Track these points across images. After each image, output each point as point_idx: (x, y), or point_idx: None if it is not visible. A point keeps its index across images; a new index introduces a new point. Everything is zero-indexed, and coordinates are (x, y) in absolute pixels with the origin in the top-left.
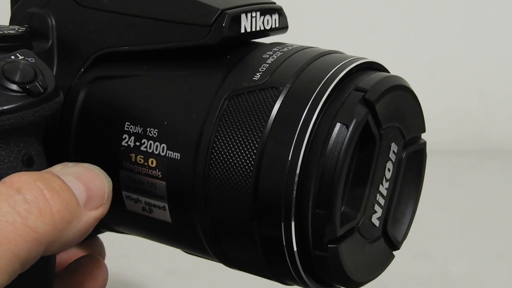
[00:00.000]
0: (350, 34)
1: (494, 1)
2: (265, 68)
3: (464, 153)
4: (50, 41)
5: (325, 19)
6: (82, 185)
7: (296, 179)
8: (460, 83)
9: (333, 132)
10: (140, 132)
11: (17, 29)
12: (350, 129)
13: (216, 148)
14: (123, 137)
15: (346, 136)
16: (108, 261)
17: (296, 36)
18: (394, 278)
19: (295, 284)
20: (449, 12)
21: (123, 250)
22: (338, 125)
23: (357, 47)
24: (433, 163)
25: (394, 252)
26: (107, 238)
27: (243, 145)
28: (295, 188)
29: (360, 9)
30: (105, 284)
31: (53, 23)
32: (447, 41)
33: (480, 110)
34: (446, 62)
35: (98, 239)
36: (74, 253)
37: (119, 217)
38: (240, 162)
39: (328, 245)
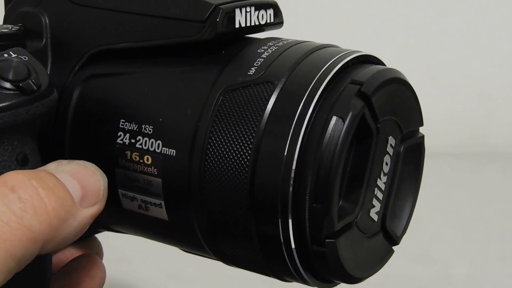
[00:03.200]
0: (350, 37)
1: (495, 4)
2: (260, 63)
3: (465, 156)
4: (44, 40)
5: (323, 22)
6: (77, 183)
7: (293, 174)
8: (461, 86)
9: (329, 126)
10: (135, 129)
11: (10, 28)
12: (347, 122)
13: (211, 144)
14: (118, 134)
15: (342, 129)
16: (109, 265)
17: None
18: (395, 281)
19: (294, 281)
20: (450, 15)
21: (124, 254)
22: (334, 118)
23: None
24: (434, 166)
25: (394, 248)
26: (109, 242)
27: (239, 141)
28: (292, 183)
29: (360, 12)
30: (103, 284)
31: (47, 21)
32: (447, 44)
33: (481, 113)
34: (447, 65)
35: (96, 238)
36: (71, 253)
37: (115, 216)
38: (236, 158)
39: (326, 240)
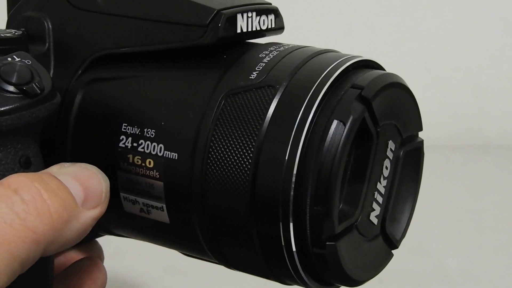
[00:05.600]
0: (345, 31)
1: None
2: (261, 67)
3: (458, 148)
4: (47, 44)
5: (319, 16)
6: (79, 185)
7: (294, 177)
8: (454, 78)
9: (330, 129)
10: (137, 133)
11: (13, 32)
12: (347, 126)
13: (213, 148)
14: (120, 138)
15: (343, 133)
16: (105, 259)
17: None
18: (390, 273)
19: (295, 284)
20: (443, 7)
21: (119, 248)
22: (335, 122)
23: (351, 43)
24: (427, 158)
25: (393, 252)
26: (103, 236)
27: (240, 144)
28: (293, 186)
29: (354, 7)
30: (104, 287)
31: (49, 26)
32: (441, 36)
33: (474, 105)
34: (440, 57)
35: (97, 242)
36: (72, 257)
37: (117, 219)
38: (237, 161)
39: (327, 243)
